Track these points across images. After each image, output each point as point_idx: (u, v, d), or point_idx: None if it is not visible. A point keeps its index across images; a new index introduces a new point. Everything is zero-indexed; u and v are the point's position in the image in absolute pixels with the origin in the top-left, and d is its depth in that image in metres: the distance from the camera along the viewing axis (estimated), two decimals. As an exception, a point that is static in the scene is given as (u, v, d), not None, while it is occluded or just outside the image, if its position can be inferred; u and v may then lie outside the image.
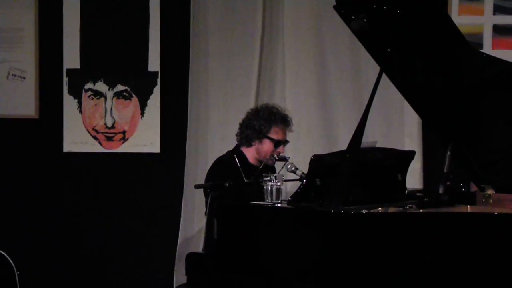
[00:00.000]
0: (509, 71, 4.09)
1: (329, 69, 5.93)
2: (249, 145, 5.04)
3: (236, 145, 5.12)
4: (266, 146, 5.01)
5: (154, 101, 6.11)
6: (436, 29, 4.06)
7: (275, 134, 5.01)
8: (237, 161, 5.01)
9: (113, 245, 6.13)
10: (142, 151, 6.13)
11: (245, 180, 4.83)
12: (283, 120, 5.03)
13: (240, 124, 5.10)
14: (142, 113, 6.13)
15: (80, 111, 6.15)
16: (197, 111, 6.03)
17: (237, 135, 5.11)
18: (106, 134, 6.16)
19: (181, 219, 5.99)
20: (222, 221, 4.24)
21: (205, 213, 4.84)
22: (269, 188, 4.25)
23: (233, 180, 4.65)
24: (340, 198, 3.93)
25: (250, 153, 5.06)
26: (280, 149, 5.02)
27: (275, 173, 4.89)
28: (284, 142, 5.05)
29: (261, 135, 4.99)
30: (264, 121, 4.99)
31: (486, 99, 4.28)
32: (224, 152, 5.19)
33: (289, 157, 5.00)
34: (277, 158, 4.97)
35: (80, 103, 6.15)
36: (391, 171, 4.60)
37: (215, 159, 5.15)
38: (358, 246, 3.86)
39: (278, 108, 5.10)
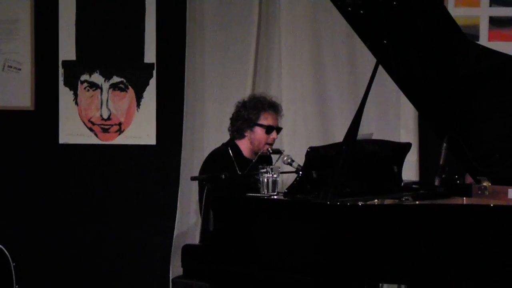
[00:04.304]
0: (505, 63, 4.10)
1: (325, 61, 5.92)
2: (241, 136, 5.05)
3: (230, 139, 5.12)
4: (258, 133, 5.01)
5: (150, 93, 6.10)
6: (432, 21, 4.06)
7: (264, 120, 5.01)
8: (231, 153, 5.01)
9: (109, 237, 6.13)
10: (138, 143, 6.12)
11: (239, 173, 4.81)
12: (270, 106, 5.04)
13: (230, 118, 5.11)
14: (138, 105, 6.12)
15: (76, 103, 6.15)
16: (193, 103, 6.03)
17: (229, 129, 5.12)
18: (102, 126, 6.15)
19: (177, 211, 5.99)
20: (218, 213, 4.24)
21: (199, 206, 4.85)
22: (265, 180, 4.25)
23: (228, 172, 4.65)
24: (336, 190, 3.93)
25: (244, 145, 5.06)
26: (273, 135, 5.02)
27: (271, 164, 4.88)
28: (277, 128, 5.05)
29: (252, 124, 5.00)
30: (252, 109, 5.01)
31: (481, 91, 4.28)
32: (220, 144, 5.19)
33: (283, 150, 5.00)
34: (271, 151, 4.97)
35: (76, 94, 6.14)
36: (387, 163, 4.60)
37: (210, 152, 5.15)
38: (354, 238, 3.87)
39: (265, 96, 5.12)
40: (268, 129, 5.01)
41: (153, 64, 6.09)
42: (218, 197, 4.31)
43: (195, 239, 5.37)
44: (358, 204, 3.93)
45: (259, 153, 4.94)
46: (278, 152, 4.92)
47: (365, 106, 4.14)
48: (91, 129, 6.15)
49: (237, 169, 4.90)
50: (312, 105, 5.93)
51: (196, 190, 5.15)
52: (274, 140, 5.04)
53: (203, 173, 4.91)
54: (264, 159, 5.01)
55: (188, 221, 5.98)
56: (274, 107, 5.06)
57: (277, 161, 4.96)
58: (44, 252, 6.13)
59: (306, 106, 5.93)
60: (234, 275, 4.18)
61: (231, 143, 5.08)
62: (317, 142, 5.55)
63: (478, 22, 5.79)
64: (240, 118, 5.03)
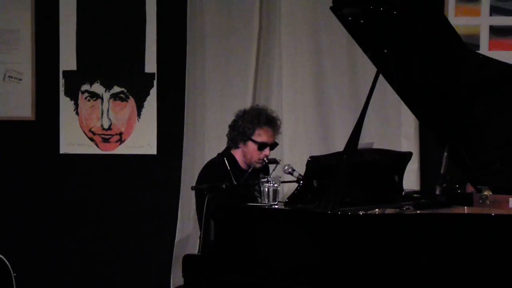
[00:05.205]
0: (506, 72, 4.10)
1: (326, 70, 5.93)
2: (236, 147, 5.03)
3: (226, 147, 5.11)
4: (251, 148, 4.96)
5: (151, 102, 6.11)
6: (432, 30, 4.06)
7: (258, 136, 4.94)
8: (227, 164, 4.98)
9: (110, 247, 6.12)
10: (139, 153, 6.12)
11: (235, 183, 4.78)
12: (267, 122, 4.96)
13: (229, 125, 5.08)
14: (139, 115, 6.13)
15: (77, 113, 6.15)
16: (194, 112, 6.03)
17: (227, 135, 5.10)
18: (103, 136, 6.15)
19: (178, 220, 5.99)
20: (219, 223, 4.24)
21: (198, 216, 4.85)
22: (266, 189, 4.24)
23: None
24: (337, 199, 3.92)
25: (238, 156, 5.03)
26: (266, 151, 4.95)
27: (269, 174, 4.87)
28: (271, 145, 4.98)
29: (245, 137, 4.95)
30: (248, 123, 4.94)
31: (482, 100, 4.28)
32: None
33: (280, 160, 4.98)
34: (267, 161, 4.93)
35: (76, 104, 6.14)
36: (388, 172, 4.60)
37: (206, 162, 5.15)
38: (355, 247, 3.86)
39: (266, 110, 5.04)
40: (261, 146, 4.96)
41: (153, 73, 6.09)
42: (219, 207, 4.31)
43: (196, 248, 5.36)
44: (359, 214, 3.92)
45: (252, 167, 4.89)
46: (274, 162, 4.90)
47: (366, 114, 4.13)
48: (91, 139, 6.15)
49: (233, 179, 4.86)
50: (312, 114, 5.93)
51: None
52: (266, 156, 4.94)
53: (200, 183, 4.89)
54: (261, 169, 4.97)
55: (189, 231, 5.97)
56: (271, 123, 4.97)
57: (273, 170, 4.94)
58: (44, 262, 6.12)
59: (306, 114, 5.93)
60: (235, 285, 4.17)
61: (227, 153, 5.05)
62: (318, 151, 5.56)
63: (479, 31, 5.80)
64: (236, 129, 4.99)
